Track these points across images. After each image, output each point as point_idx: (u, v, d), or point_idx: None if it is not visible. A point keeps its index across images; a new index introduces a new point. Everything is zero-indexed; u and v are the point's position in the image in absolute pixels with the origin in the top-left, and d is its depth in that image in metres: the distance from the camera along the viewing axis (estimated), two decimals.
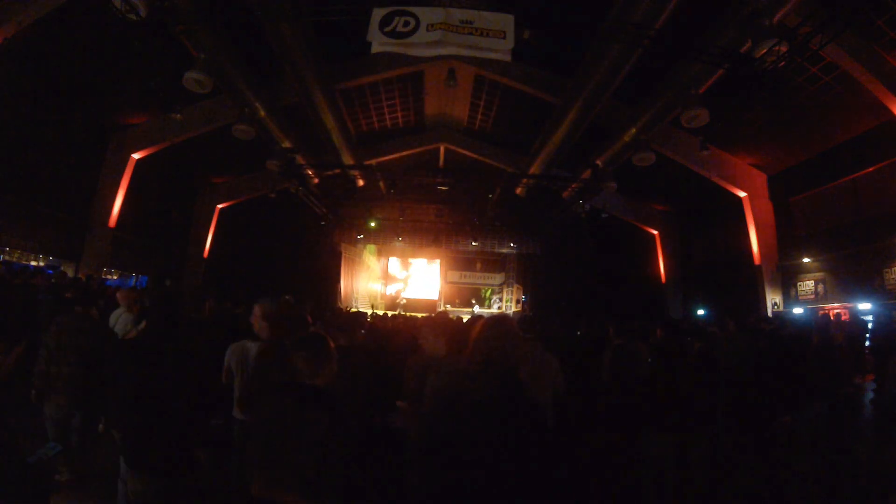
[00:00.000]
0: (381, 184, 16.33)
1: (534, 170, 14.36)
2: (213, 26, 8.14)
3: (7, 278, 7.19)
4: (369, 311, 12.36)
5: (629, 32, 7.55)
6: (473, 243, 19.64)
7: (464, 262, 21.27)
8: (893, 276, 9.72)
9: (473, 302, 19.96)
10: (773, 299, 12.40)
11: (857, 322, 8.00)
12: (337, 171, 14.88)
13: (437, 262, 21.40)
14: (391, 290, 21.83)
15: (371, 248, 20.61)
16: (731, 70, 7.81)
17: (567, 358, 3.67)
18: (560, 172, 14.55)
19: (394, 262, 22.12)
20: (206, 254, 16.52)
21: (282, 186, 14.58)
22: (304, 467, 1.80)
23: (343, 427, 1.92)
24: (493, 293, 20.15)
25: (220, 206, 16.76)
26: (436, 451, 1.73)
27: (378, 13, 6.87)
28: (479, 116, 15.12)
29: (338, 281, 18.94)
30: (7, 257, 10.15)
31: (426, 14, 6.85)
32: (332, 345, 2.11)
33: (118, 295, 4.68)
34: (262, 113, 10.93)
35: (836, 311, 10.89)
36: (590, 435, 2.96)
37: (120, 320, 4.38)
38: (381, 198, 17.68)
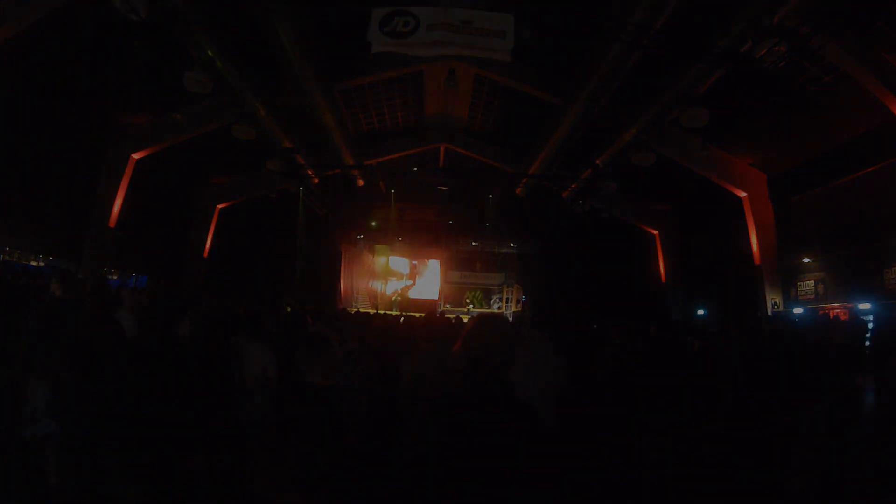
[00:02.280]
0: (381, 184, 16.36)
1: (534, 170, 14.36)
2: (212, 26, 8.14)
3: (9, 279, 7.17)
4: (371, 312, 12.37)
5: (629, 32, 7.55)
6: (473, 243, 19.58)
7: (464, 262, 21.23)
8: (893, 276, 9.71)
9: (468, 301, 19.93)
10: (773, 299, 12.38)
11: (857, 322, 7.98)
12: (337, 171, 14.89)
13: (437, 262, 21.39)
14: (395, 288, 21.77)
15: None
16: (731, 70, 7.81)
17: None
18: (560, 172, 14.54)
19: (400, 262, 22.04)
20: (205, 254, 16.50)
21: (282, 186, 14.57)
22: (308, 467, 1.80)
23: (347, 426, 1.92)
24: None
25: (220, 206, 16.74)
26: (425, 449, 1.73)
27: (378, 13, 6.89)
28: (479, 116, 15.13)
29: (338, 281, 18.94)
30: (7, 257, 10.16)
31: (426, 14, 6.86)
32: (335, 345, 2.11)
33: (123, 294, 4.71)
34: (262, 113, 10.93)
35: (836, 311, 10.88)
36: (589, 435, 2.96)
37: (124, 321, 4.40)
38: (381, 198, 17.68)
